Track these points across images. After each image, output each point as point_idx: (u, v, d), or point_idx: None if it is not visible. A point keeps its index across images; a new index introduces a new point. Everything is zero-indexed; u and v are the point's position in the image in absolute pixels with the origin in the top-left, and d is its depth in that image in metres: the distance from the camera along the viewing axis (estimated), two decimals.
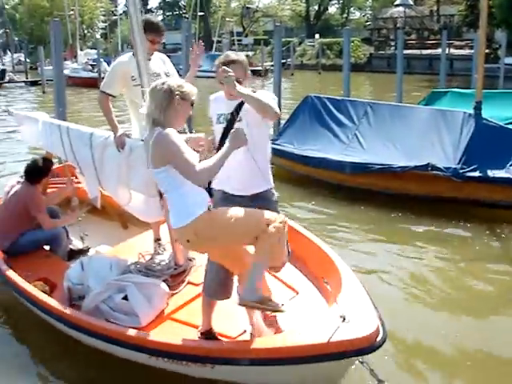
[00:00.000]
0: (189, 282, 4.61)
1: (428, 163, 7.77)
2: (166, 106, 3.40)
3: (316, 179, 9.12)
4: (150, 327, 4.05)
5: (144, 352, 3.75)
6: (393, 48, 43.05)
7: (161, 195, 4.63)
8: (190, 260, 4.88)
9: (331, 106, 9.94)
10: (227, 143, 3.39)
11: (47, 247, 5.61)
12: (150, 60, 4.92)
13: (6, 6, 67.88)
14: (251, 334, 3.90)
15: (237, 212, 3.49)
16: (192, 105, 3.52)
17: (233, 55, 3.82)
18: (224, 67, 3.52)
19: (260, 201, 3.83)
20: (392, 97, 18.95)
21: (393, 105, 10.33)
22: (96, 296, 4.26)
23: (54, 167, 6.06)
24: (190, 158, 3.30)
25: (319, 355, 3.34)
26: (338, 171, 8.62)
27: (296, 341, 3.42)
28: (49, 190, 6.44)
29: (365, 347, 3.35)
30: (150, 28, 4.85)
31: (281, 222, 3.51)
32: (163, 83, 3.45)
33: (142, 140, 4.44)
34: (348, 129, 9.48)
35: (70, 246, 5.87)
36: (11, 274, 4.82)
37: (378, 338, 3.41)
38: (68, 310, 4.21)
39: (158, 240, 5.22)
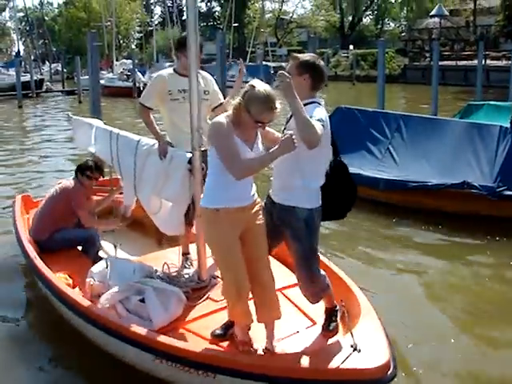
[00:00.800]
0: (209, 298, 4.57)
1: (463, 181, 7.62)
2: (236, 106, 3.45)
3: None
4: (162, 332, 4.01)
5: (150, 352, 3.76)
6: (428, 59, 42.59)
7: (188, 209, 4.66)
8: (214, 278, 4.83)
9: (362, 119, 9.84)
10: (275, 147, 3.38)
11: (80, 248, 5.79)
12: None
13: (46, 18, 69.44)
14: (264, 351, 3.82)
15: (219, 245, 3.62)
16: (257, 122, 3.40)
17: (299, 54, 3.85)
18: (282, 71, 3.37)
19: (283, 215, 3.77)
20: (427, 109, 18.72)
21: (426, 118, 10.13)
22: (114, 295, 4.28)
23: (102, 178, 6.24)
24: (234, 149, 3.38)
25: (324, 380, 3.31)
26: (371, 187, 8.44)
27: (299, 362, 3.38)
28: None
29: (373, 379, 3.29)
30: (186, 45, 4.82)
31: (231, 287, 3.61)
32: (250, 85, 3.40)
33: (190, 152, 4.48)
34: (381, 143, 9.36)
35: (100, 254, 5.92)
36: (38, 261, 5.05)
37: (389, 372, 3.35)
38: (81, 300, 4.31)
39: (185, 254, 5.20)
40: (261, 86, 3.40)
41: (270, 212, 3.85)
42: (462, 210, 7.72)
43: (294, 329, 4.10)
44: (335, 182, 3.80)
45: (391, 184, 8.36)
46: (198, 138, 4.36)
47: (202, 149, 4.43)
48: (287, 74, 3.35)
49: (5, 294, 5.91)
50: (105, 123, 6.25)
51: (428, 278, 6.27)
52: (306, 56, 3.83)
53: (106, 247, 6.15)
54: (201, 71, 5.08)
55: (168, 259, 5.07)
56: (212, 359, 3.54)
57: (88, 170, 5.97)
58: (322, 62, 3.85)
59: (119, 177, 5.60)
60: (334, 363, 3.34)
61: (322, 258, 4.81)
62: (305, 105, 3.48)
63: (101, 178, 6.18)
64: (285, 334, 4.00)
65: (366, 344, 3.48)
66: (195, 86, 4.25)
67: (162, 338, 3.76)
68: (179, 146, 4.86)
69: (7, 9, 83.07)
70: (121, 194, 6.05)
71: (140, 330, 3.87)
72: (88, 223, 5.78)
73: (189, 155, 4.55)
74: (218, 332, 3.99)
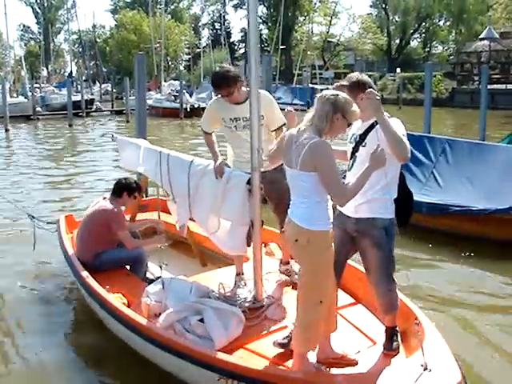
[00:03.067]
0: (266, 317, 4.53)
1: (510, 207, 7.41)
2: (329, 117, 3.51)
3: None
4: (223, 352, 3.95)
5: (215, 371, 3.71)
6: (476, 83, 41.95)
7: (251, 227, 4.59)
8: (269, 298, 4.78)
9: None
10: (367, 164, 3.46)
11: (127, 267, 5.80)
12: (241, 104, 4.81)
13: (98, 40, 71.51)
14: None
15: (327, 265, 3.60)
16: (349, 125, 3.62)
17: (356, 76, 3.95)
18: (371, 89, 3.58)
19: (363, 226, 3.88)
20: (475, 134, 18.37)
21: (472, 142, 9.94)
22: (172, 315, 4.26)
23: (140, 197, 6.36)
24: (339, 174, 3.44)
25: None
26: (414, 211, 8.25)
27: (369, 383, 3.32)
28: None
29: None
30: (212, 85, 4.91)
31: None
32: (333, 95, 3.54)
33: (248, 173, 4.50)
34: (425, 167, 9.23)
35: (147, 274, 5.96)
36: (92, 281, 5.08)
37: None
38: (145, 322, 4.31)
39: (239, 274, 5.15)
40: (339, 93, 3.60)
41: (343, 227, 3.94)
42: (508, 237, 7.50)
43: (355, 349, 4.05)
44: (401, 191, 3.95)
45: (434, 208, 8.19)
46: (258, 158, 4.31)
47: (262, 170, 4.43)
48: (376, 92, 3.55)
49: (54, 311, 5.96)
50: (150, 142, 6.33)
51: (469, 308, 6.11)
52: (356, 76, 3.96)
53: (152, 268, 6.15)
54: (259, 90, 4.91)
55: (220, 279, 5.05)
56: (282, 379, 3.50)
57: (137, 191, 6.01)
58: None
59: (170, 197, 5.59)
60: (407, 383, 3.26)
61: None
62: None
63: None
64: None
65: (434, 363, 3.40)
66: (256, 108, 4.23)
67: (230, 358, 3.74)
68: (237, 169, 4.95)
69: (62, 32, 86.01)
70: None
71: (205, 349, 3.87)
72: (131, 245, 5.75)
73: (248, 176, 4.54)
74: (282, 341, 4.00)
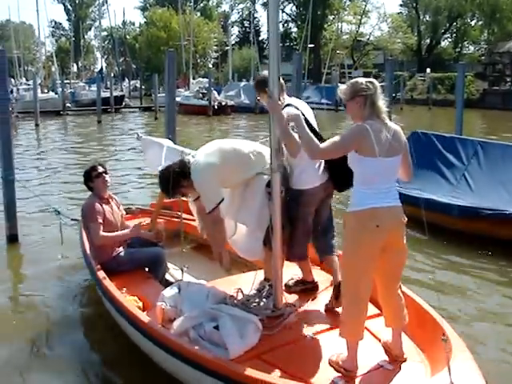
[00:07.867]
0: (285, 327, 4.34)
1: None
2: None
3: (420, 221, 8.71)
4: (237, 362, 3.80)
5: (227, 383, 3.58)
6: (508, 84, 41.29)
7: (267, 234, 4.45)
8: (289, 306, 4.59)
9: (439, 144, 9.56)
10: None
11: (146, 268, 5.67)
12: None
13: (128, 37, 72.13)
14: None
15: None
16: None
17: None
18: None
19: None
20: (507, 136, 18.06)
21: (506, 144, 9.71)
22: (187, 320, 4.13)
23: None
24: None
25: None
26: (445, 214, 8.11)
27: None
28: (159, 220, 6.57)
29: None
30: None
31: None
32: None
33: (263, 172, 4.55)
34: (456, 169, 9.07)
35: (166, 276, 5.81)
36: (108, 283, 4.99)
37: None
38: (157, 327, 4.20)
39: (266, 280, 4.94)
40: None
41: None
42: None
43: (376, 362, 3.90)
44: None
45: (466, 211, 8.02)
46: (277, 159, 4.14)
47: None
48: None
49: (71, 312, 5.92)
50: (175, 143, 6.26)
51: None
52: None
53: (172, 270, 6.02)
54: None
55: (240, 285, 4.86)
56: None
57: (93, 170, 5.71)
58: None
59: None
60: None
61: (408, 292, 4.52)
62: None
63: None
64: (368, 369, 3.82)
65: (461, 382, 3.28)
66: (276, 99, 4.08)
67: (244, 369, 3.57)
68: None
69: (92, 28, 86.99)
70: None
71: (218, 359, 3.73)
72: (97, 238, 5.50)
73: (267, 177, 4.41)
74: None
